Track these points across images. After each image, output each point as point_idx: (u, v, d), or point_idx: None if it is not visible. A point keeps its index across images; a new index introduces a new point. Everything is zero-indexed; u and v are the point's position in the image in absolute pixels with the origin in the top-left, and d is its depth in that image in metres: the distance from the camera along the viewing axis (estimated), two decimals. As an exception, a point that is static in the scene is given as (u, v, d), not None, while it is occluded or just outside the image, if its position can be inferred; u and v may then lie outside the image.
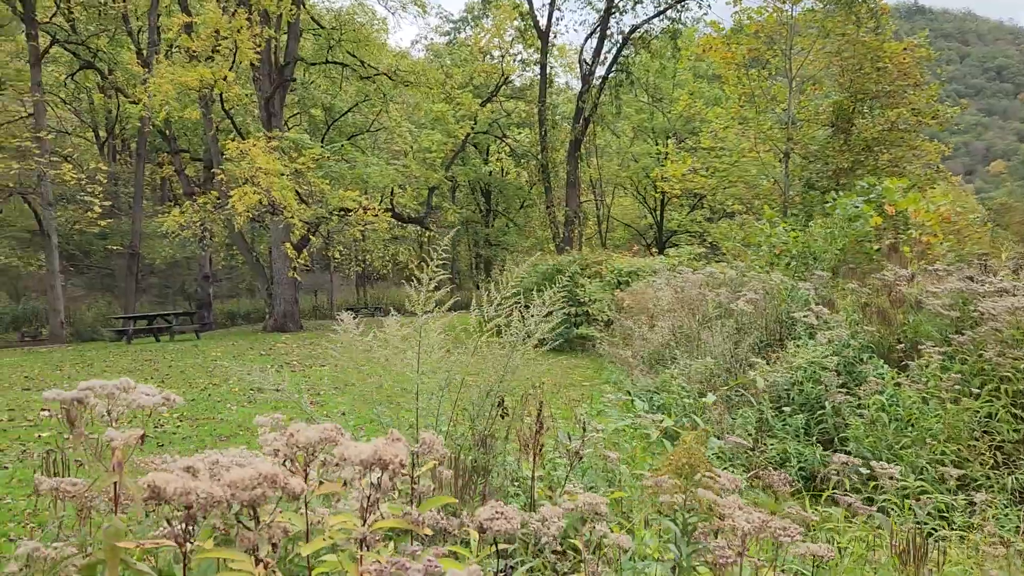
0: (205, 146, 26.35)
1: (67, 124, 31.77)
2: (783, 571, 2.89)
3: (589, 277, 16.04)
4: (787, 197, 19.68)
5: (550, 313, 4.25)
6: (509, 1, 30.80)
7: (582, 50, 30.27)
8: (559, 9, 33.28)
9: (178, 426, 8.40)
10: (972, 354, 6.21)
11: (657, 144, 34.53)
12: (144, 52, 23.85)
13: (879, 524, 3.78)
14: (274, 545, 1.67)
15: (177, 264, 31.58)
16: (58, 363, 15.00)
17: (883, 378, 6.36)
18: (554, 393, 10.10)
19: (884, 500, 4.32)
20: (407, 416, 4.13)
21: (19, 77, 24.36)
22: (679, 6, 27.87)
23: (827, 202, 13.34)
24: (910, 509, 4.42)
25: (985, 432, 5.64)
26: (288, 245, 21.02)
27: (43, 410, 9.23)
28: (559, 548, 2.62)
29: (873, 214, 11.21)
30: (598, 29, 28.76)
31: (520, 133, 35.99)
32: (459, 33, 38.27)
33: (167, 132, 25.02)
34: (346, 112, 29.85)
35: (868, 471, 4.31)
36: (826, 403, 6.35)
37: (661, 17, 28.30)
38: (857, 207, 11.52)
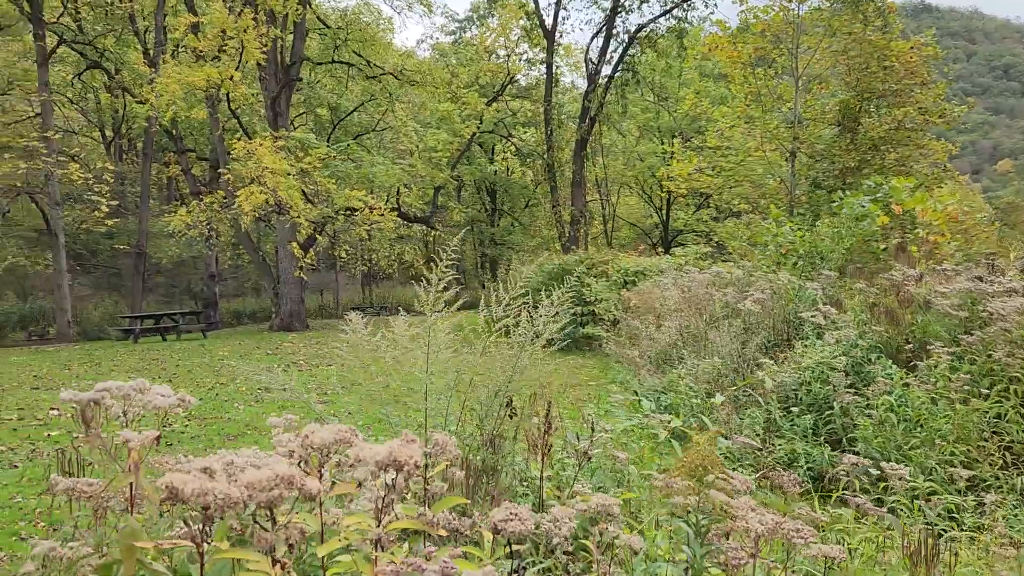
0: (211, 145, 26.40)
1: (74, 124, 31.88)
2: (793, 572, 2.89)
3: (595, 277, 16.03)
4: (793, 196, 19.62)
5: (557, 313, 4.25)
6: (515, 0, 30.78)
7: (588, 49, 30.31)
8: (565, 8, 33.20)
9: (186, 425, 8.42)
10: (981, 354, 6.19)
11: (663, 143, 34.48)
12: (151, 52, 23.92)
13: (889, 525, 3.77)
14: (290, 546, 1.68)
15: (183, 263, 31.64)
16: (66, 362, 15.06)
17: (891, 378, 6.34)
18: (560, 393, 10.11)
19: (894, 501, 4.32)
20: (416, 416, 4.13)
21: (26, 77, 24.46)
22: (685, 5, 27.86)
23: (834, 201, 13.30)
24: (919, 510, 4.42)
25: (994, 433, 5.62)
26: (294, 244, 21.06)
27: (52, 409, 9.27)
28: (569, 549, 2.63)
29: (880, 213, 11.17)
30: (604, 28, 28.76)
31: (526, 132, 35.99)
32: (465, 32, 38.28)
33: (173, 132, 25.08)
34: (352, 111, 29.88)
35: (877, 472, 4.30)
36: (834, 403, 6.33)
37: (667, 16, 28.30)
38: (864, 206, 11.48)
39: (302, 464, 1.90)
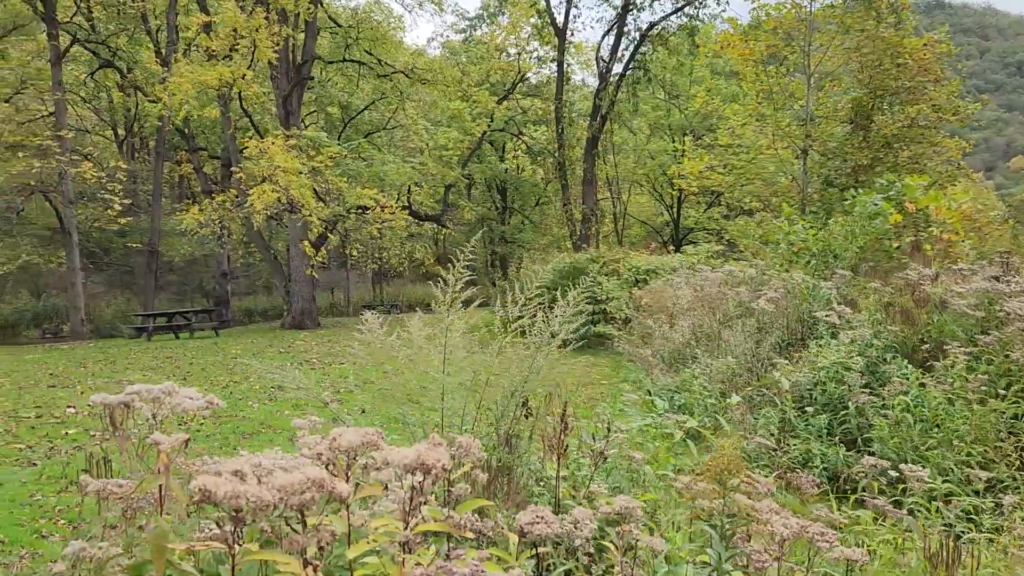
0: (222, 144, 26.52)
1: (87, 123, 32.08)
2: (814, 574, 2.89)
3: (606, 275, 16.03)
4: (805, 194, 19.55)
5: (576, 314, 4.26)
6: (526, -2, 30.76)
7: (599, 47, 30.24)
8: (576, 6, 33.20)
9: (201, 423, 8.47)
10: (998, 355, 6.17)
11: (674, 141, 34.40)
12: (163, 51, 24.05)
13: (907, 527, 3.76)
14: (321, 548, 1.70)
15: (195, 261, 31.80)
16: (81, 360, 15.16)
17: (907, 378, 6.32)
18: (573, 392, 10.11)
19: (912, 503, 4.31)
20: (431, 416, 4.15)
21: (40, 76, 24.61)
22: (697, 2, 27.77)
23: (846, 199, 13.24)
24: (937, 511, 4.40)
25: (1011, 433, 5.60)
26: (306, 243, 21.13)
27: (69, 407, 9.34)
28: (590, 550, 2.64)
29: (893, 212, 11.12)
30: (615, 26, 28.70)
31: (536, 130, 35.96)
32: (475, 30, 38.24)
33: (185, 130, 25.22)
34: (363, 110, 29.94)
35: (896, 474, 4.29)
36: (849, 403, 6.32)
37: (679, 14, 28.21)
38: (877, 204, 11.42)
39: (329, 466, 1.92)
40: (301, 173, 19.40)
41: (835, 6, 19.81)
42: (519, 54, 33.78)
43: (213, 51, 20.33)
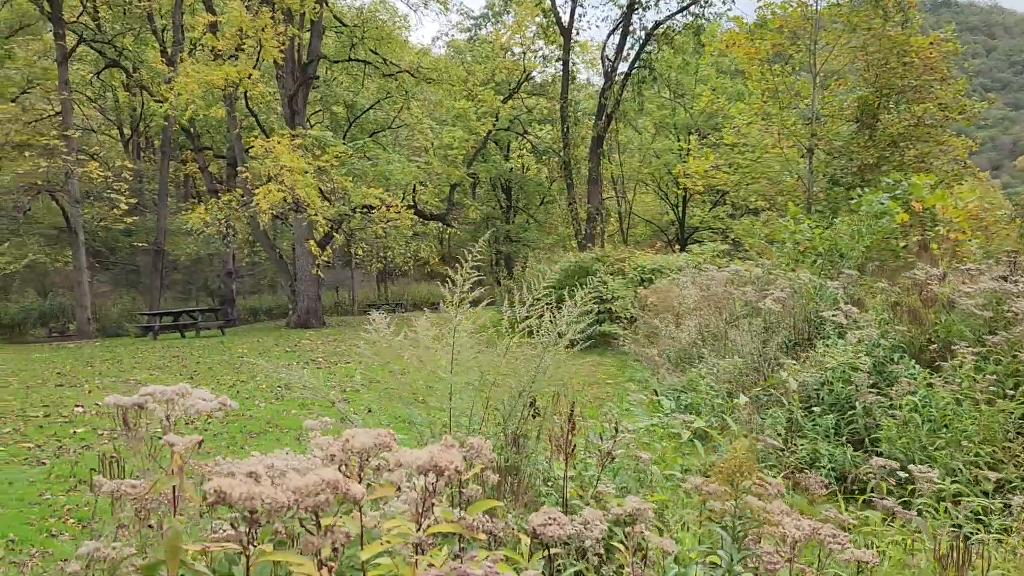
0: (228, 143, 26.57)
1: (93, 122, 32.16)
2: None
3: (612, 274, 16.02)
4: (811, 193, 19.51)
5: (584, 314, 4.26)
6: (530, -3, 30.77)
7: (604, 46, 30.23)
8: (581, 5, 33.17)
9: (208, 423, 8.49)
10: (1006, 355, 6.15)
11: (679, 140, 34.36)
12: (169, 51, 24.10)
13: (916, 528, 3.76)
14: (335, 549, 1.71)
15: (201, 260, 31.89)
16: (88, 359, 15.21)
17: (915, 378, 6.30)
18: (579, 391, 10.11)
19: (920, 503, 4.30)
20: (439, 415, 4.16)
21: (46, 76, 24.70)
22: (702, 1, 27.75)
23: (852, 199, 13.21)
24: (946, 512, 4.40)
25: (1019, 434, 5.58)
26: (311, 242, 21.17)
27: (77, 406, 9.38)
28: (601, 551, 2.64)
29: (899, 211, 11.09)
30: (621, 25, 28.69)
31: (541, 129, 35.94)
32: (480, 29, 38.30)
33: (191, 130, 25.28)
34: (368, 109, 29.98)
35: (904, 474, 4.29)
36: (856, 403, 6.31)
37: (684, 12, 28.20)
38: (883, 204, 11.39)
39: (342, 468, 1.93)
40: (307, 172, 19.44)
41: (841, 4, 19.76)
42: (524, 53, 33.79)
43: (219, 51, 20.38)
